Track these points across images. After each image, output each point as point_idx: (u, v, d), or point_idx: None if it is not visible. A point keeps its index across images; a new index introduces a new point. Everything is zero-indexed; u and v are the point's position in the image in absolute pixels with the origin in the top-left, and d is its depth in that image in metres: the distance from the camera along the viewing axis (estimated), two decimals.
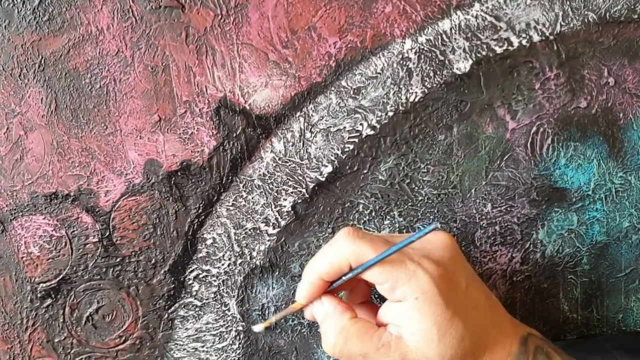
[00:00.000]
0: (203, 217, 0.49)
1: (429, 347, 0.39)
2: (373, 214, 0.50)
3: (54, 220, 0.48)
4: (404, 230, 0.51)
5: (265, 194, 0.49)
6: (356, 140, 0.49)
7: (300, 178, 0.49)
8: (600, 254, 0.51)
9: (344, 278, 0.41)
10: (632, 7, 0.48)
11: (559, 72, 0.49)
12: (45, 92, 0.47)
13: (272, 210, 0.49)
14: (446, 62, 0.48)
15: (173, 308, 0.50)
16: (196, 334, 0.50)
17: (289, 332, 0.51)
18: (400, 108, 0.49)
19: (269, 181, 0.49)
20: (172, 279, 0.49)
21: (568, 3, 0.48)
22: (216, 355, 0.51)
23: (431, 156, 0.50)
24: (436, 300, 0.39)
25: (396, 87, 0.48)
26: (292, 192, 0.49)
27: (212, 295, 0.50)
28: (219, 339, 0.50)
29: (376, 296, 0.50)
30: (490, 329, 0.42)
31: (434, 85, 0.49)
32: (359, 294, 0.45)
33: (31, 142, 0.47)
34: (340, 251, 0.41)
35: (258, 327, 0.44)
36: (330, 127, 0.49)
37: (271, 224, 0.50)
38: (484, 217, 0.51)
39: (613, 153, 0.50)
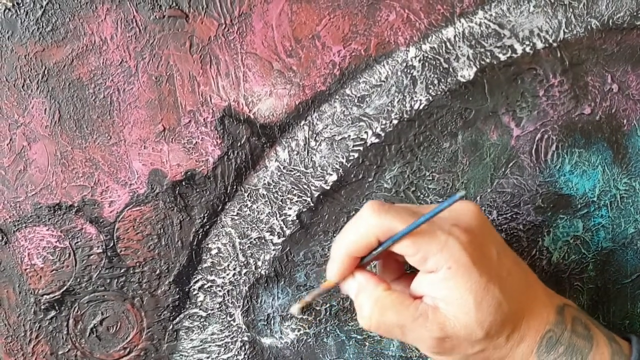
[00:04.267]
0: (208, 226, 0.49)
1: (467, 316, 0.39)
2: None
3: (58, 232, 0.48)
4: None
5: (270, 203, 0.49)
6: (361, 148, 0.49)
7: (305, 187, 0.49)
8: (606, 261, 0.51)
9: (373, 253, 0.41)
10: (635, 13, 0.49)
11: (562, 79, 0.49)
12: (48, 103, 0.46)
13: (277, 219, 0.49)
14: (450, 69, 0.48)
15: (178, 319, 0.49)
16: (201, 345, 0.50)
17: (295, 342, 0.51)
18: (405, 116, 0.49)
19: (273, 190, 0.49)
20: (177, 289, 0.49)
21: (571, 10, 0.48)
22: None
23: (436, 164, 0.50)
24: (470, 268, 0.38)
25: (400, 95, 0.48)
26: (297, 201, 0.49)
27: (217, 306, 0.50)
28: (224, 349, 0.50)
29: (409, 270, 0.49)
30: (526, 296, 0.41)
31: (439, 92, 0.49)
32: (391, 271, 0.45)
33: (35, 153, 0.47)
34: (367, 226, 0.40)
35: (294, 309, 0.44)
36: (335, 135, 0.49)
37: (276, 233, 0.49)
38: None
39: (617, 159, 0.50)
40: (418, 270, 0.41)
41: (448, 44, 0.48)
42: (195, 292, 0.49)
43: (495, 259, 0.40)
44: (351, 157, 0.49)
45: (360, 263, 0.42)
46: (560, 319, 0.41)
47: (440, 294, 0.39)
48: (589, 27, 0.49)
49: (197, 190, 0.48)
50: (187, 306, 0.49)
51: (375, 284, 0.41)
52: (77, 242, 0.48)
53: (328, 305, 0.50)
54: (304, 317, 0.50)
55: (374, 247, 0.41)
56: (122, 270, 0.49)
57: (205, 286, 0.49)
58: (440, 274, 0.39)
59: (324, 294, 0.49)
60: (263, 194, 0.49)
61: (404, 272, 0.46)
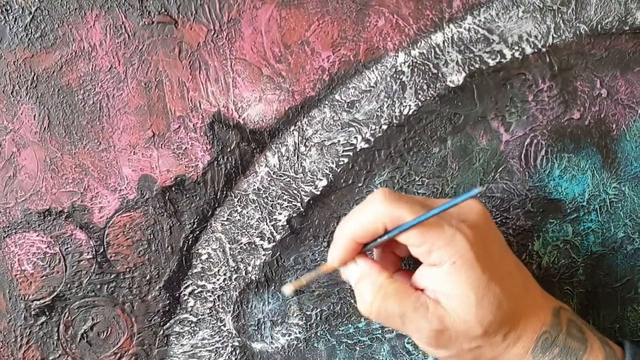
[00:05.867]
0: (198, 232, 0.49)
1: (467, 312, 0.39)
2: None
3: (48, 237, 0.48)
4: None
5: (260, 208, 0.49)
6: (351, 153, 0.49)
7: (295, 192, 0.49)
8: (596, 265, 0.51)
9: (379, 240, 0.41)
10: (624, 19, 0.49)
11: (551, 84, 0.49)
12: (38, 109, 0.46)
13: (267, 224, 0.49)
14: (439, 75, 0.48)
15: (168, 324, 0.49)
16: (192, 350, 0.50)
17: (285, 347, 0.51)
18: (394, 121, 0.49)
19: (263, 195, 0.49)
20: (167, 295, 0.49)
21: (560, 15, 0.48)
22: None
23: (425, 169, 0.50)
24: (473, 265, 0.38)
25: (390, 101, 0.49)
26: (287, 206, 0.49)
27: (208, 311, 0.50)
28: (215, 354, 0.50)
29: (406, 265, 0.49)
30: (525, 297, 0.41)
31: (428, 98, 0.49)
32: (389, 264, 0.45)
33: (24, 159, 0.47)
34: (376, 212, 0.40)
35: (287, 288, 0.43)
36: (325, 140, 0.49)
37: (266, 238, 0.49)
38: None
39: (607, 164, 0.50)
40: (415, 268, 0.41)
41: (437, 49, 0.48)
42: (186, 297, 0.49)
43: (497, 259, 0.41)
44: (341, 162, 0.49)
45: (362, 249, 0.42)
46: (557, 321, 0.42)
47: (442, 288, 0.39)
48: (577, 32, 0.49)
49: (187, 195, 0.48)
50: (178, 311, 0.49)
51: (378, 272, 0.41)
52: (67, 248, 0.48)
53: (319, 310, 0.50)
54: (295, 321, 0.50)
55: (379, 234, 0.40)
56: (112, 276, 0.49)
57: (196, 291, 0.49)
58: (444, 268, 0.39)
59: (320, 277, 0.49)
60: (253, 199, 0.49)
61: (401, 268, 0.46)
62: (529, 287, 0.43)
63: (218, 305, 0.50)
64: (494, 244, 0.41)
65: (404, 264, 0.48)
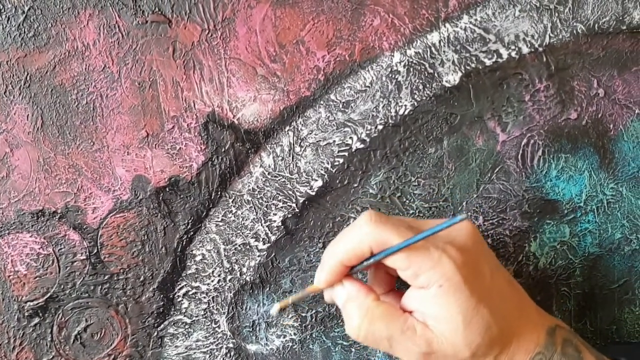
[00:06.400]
0: (192, 233, 0.48)
1: (455, 335, 0.38)
2: None
3: (41, 238, 0.48)
4: None
5: (254, 209, 0.49)
6: (346, 154, 0.49)
7: (290, 192, 0.49)
8: (593, 266, 0.51)
9: (365, 263, 0.40)
10: (621, 18, 0.48)
11: (548, 84, 0.49)
12: (31, 109, 0.46)
13: (262, 225, 0.49)
14: (435, 74, 0.48)
15: (162, 326, 0.49)
16: (186, 352, 0.50)
17: (280, 348, 0.50)
18: (390, 121, 0.48)
19: (258, 196, 0.49)
20: (161, 296, 0.49)
21: (556, 15, 0.48)
22: None
23: (422, 169, 0.49)
24: (461, 288, 0.38)
25: (385, 101, 0.48)
26: (282, 207, 0.49)
27: (202, 312, 0.49)
28: (210, 356, 0.50)
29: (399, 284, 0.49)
30: (517, 318, 0.41)
31: (424, 98, 0.48)
32: (382, 284, 0.45)
33: (17, 160, 0.47)
34: (362, 236, 0.40)
35: (274, 309, 0.43)
36: (320, 141, 0.48)
37: (261, 239, 0.49)
38: None
39: (604, 164, 0.50)
40: (409, 287, 0.41)
41: (433, 49, 0.48)
42: (180, 298, 0.49)
43: (487, 279, 0.40)
44: (336, 163, 0.49)
45: (350, 272, 0.42)
46: (551, 341, 0.41)
47: (429, 311, 0.39)
48: (574, 31, 0.48)
49: (181, 196, 0.48)
50: (172, 313, 0.49)
51: (365, 294, 0.41)
52: (61, 249, 0.48)
53: (314, 311, 0.50)
54: (287, 322, 0.50)
55: (366, 257, 0.40)
56: (106, 277, 0.48)
57: (190, 293, 0.49)
58: (431, 291, 0.39)
59: (307, 298, 0.49)
60: (248, 200, 0.49)
61: (394, 288, 0.46)
62: (523, 306, 0.42)
63: (212, 306, 0.49)
64: (484, 265, 0.41)
65: (398, 284, 0.48)
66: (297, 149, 0.48)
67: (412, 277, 0.39)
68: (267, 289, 0.50)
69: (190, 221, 0.48)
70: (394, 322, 0.40)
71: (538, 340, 0.41)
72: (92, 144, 0.47)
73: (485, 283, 0.40)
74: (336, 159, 0.49)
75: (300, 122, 0.48)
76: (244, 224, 0.49)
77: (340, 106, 0.48)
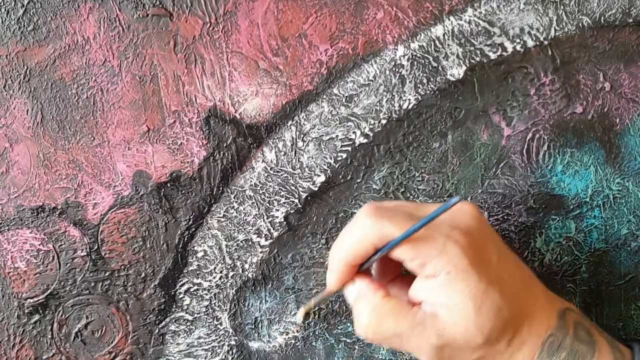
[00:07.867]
0: (193, 229, 0.48)
1: (467, 322, 0.38)
2: None
3: (41, 234, 0.47)
4: None
5: (257, 204, 0.48)
6: (349, 148, 0.48)
7: (293, 188, 0.48)
8: (599, 262, 0.51)
9: (372, 259, 0.40)
10: (627, 11, 0.48)
11: (554, 78, 0.48)
12: (31, 103, 0.46)
13: (264, 221, 0.48)
14: (439, 68, 0.48)
15: (164, 323, 0.49)
16: (188, 349, 0.49)
17: (283, 346, 0.50)
18: (394, 116, 0.48)
19: (260, 192, 0.48)
20: (163, 293, 0.48)
21: (562, 7, 0.48)
22: None
23: (426, 164, 0.49)
24: (469, 273, 0.37)
25: (389, 95, 0.48)
26: (284, 203, 0.48)
27: (204, 309, 0.49)
28: (211, 353, 0.49)
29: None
30: (527, 299, 0.40)
31: (428, 92, 0.48)
32: (389, 271, 0.44)
33: (17, 155, 0.46)
34: (363, 234, 0.39)
35: (298, 316, 0.43)
36: (323, 135, 0.48)
37: (263, 235, 0.49)
38: None
39: (610, 159, 0.49)
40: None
41: (437, 42, 0.47)
42: (181, 295, 0.49)
43: (495, 262, 0.40)
44: (339, 158, 0.48)
45: (360, 269, 0.41)
46: (562, 324, 0.41)
47: (439, 300, 0.38)
48: (580, 24, 0.48)
49: (183, 191, 0.48)
50: (173, 310, 0.49)
51: (373, 292, 0.40)
52: (61, 245, 0.47)
53: (316, 308, 0.49)
54: (293, 319, 0.49)
55: (370, 255, 0.40)
56: (106, 274, 0.48)
57: (192, 289, 0.49)
58: (439, 279, 0.38)
59: (327, 299, 0.49)
60: (250, 196, 0.48)
61: (400, 274, 0.45)
62: (532, 288, 0.42)
63: (214, 303, 0.49)
64: (490, 247, 0.40)
65: (404, 270, 0.47)
66: (300, 143, 0.48)
67: (418, 267, 0.39)
68: (270, 285, 0.49)
69: (191, 217, 0.48)
70: (403, 319, 0.39)
71: (549, 322, 0.40)
72: (92, 139, 0.46)
73: (493, 264, 0.39)
74: (339, 154, 0.48)
75: (303, 117, 0.48)
76: (246, 219, 0.48)
77: (344, 100, 0.48)
